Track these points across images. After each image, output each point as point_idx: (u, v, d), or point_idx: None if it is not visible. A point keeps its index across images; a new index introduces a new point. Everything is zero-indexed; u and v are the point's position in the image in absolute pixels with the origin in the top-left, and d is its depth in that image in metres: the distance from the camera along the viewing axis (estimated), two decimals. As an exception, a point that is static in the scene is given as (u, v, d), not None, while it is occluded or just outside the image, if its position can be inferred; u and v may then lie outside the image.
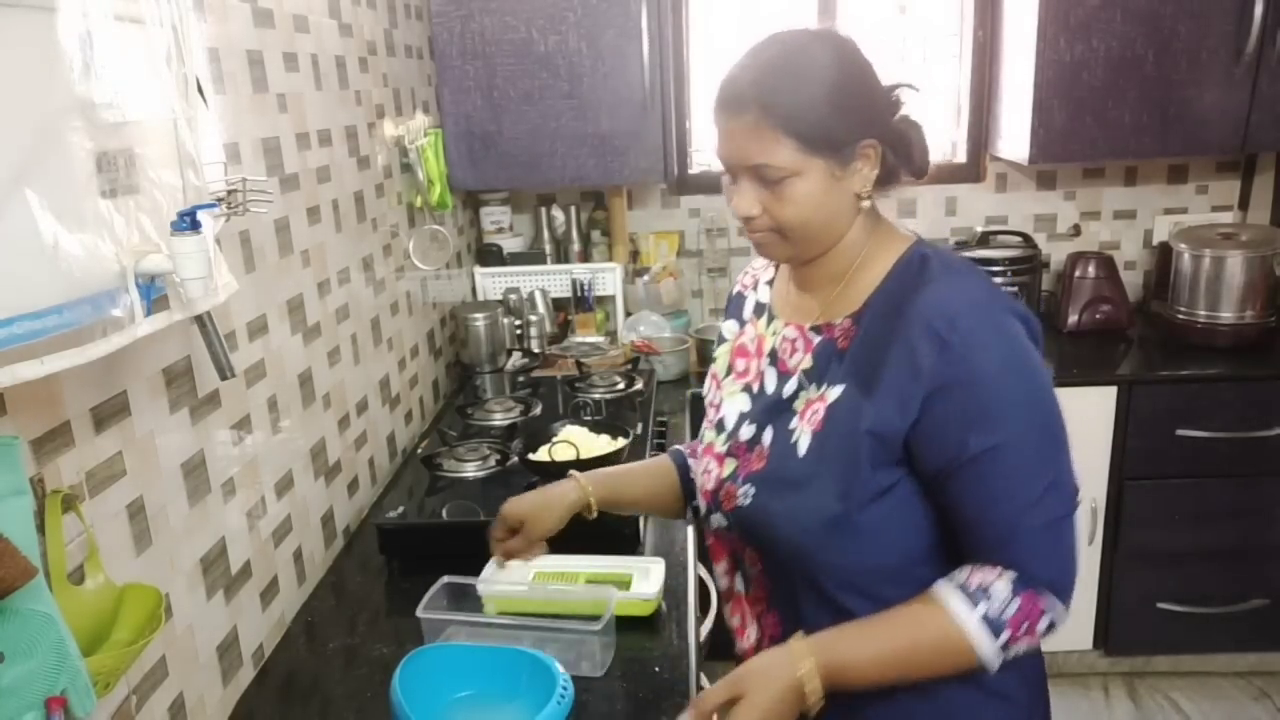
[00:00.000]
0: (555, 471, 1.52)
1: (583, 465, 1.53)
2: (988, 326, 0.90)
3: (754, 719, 0.87)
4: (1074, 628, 2.43)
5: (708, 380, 1.17)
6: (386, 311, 1.87)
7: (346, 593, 1.42)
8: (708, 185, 2.77)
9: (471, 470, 1.65)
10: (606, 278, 2.60)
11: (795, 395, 1.01)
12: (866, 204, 0.98)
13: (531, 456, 1.57)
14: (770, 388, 1.05)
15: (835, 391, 0.96)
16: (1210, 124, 2.29)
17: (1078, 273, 2.57)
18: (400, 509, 1.52)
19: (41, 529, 0.82)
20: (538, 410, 1.97)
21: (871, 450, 0.92)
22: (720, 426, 1.09)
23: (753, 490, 1.00)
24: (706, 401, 1.16)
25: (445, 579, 1.26)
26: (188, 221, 0.88)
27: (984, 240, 2.63)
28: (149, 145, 0.89)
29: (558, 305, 2.58)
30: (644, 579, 1.29)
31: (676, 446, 1.32)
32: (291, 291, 1.41)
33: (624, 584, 1.28)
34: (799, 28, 0.96)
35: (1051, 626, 0.91)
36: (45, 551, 0.81)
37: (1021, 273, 2.52)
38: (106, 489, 0.94)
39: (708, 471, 1.09)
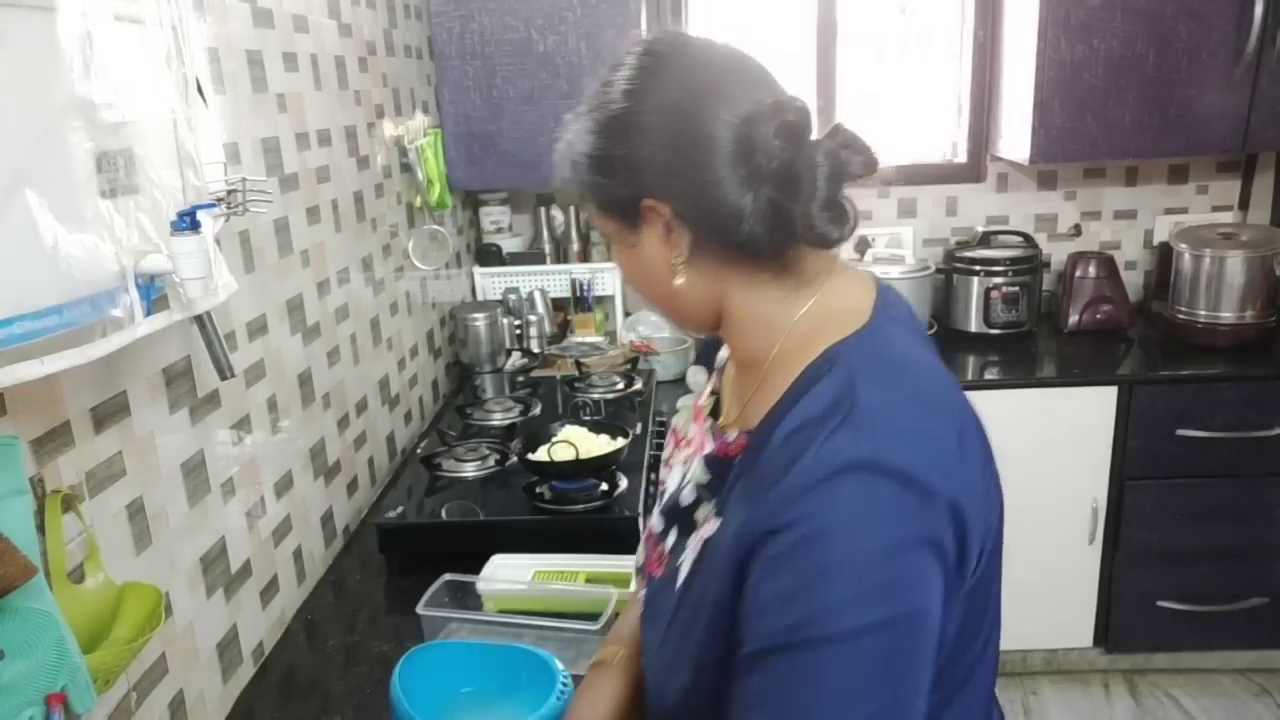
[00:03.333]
0: (554, 471, 1.53)
1: (582, 465, 1.54)
2: (824, 498, 0.62)
3: None
4: (1075, 625, 2.43)
5: (668, 436, 0.95)
6: (386, 311, 1.87)
7: (346, 591, 1.43)
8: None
9: (471, 470, 1.65)
10: (606, 278, 2.60)
11: (695, 507, 0.78)
12: (680, 281, 0.74)
13: (531, 456, 1.58)
14: (676, 481, 0.85)
15: (712, 527, 0.74)
16: (1211, 124, 2.29)
17: (1078, 273, 2.57)
18: (400, 509, 1.52)
19: (41, 528, 0.82)
20: (537, 410, 1.97)
21: (715, 617, 0.69)
22: (660, 495, 0.89)
23: (645, 597, 0.84)
24: (662, 461, 0.94)
25: (446, 576, 1.26)
26: (187, 221, 0.89)
27: (984, 240, 2.63)
28: (149, 145, 0.89)
29: (557, 305, 2.58)
30: (643, 578, 1.29)
31: None
32: (291, 291, 1.41)
33: (624, 582, 1.28)
34: (653, 34, 0.78)
35: None
36: (45, 551, 0.82)
37: (1022, 273, 2.52)
38: (106, 489, 0.94)
39: (641, 547, 0.91)
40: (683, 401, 0.96)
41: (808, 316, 0.74)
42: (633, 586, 0.91)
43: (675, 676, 0.74)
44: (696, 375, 0.97)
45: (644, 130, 0.72)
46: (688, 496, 0.80)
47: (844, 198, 0.70)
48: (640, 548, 0.90)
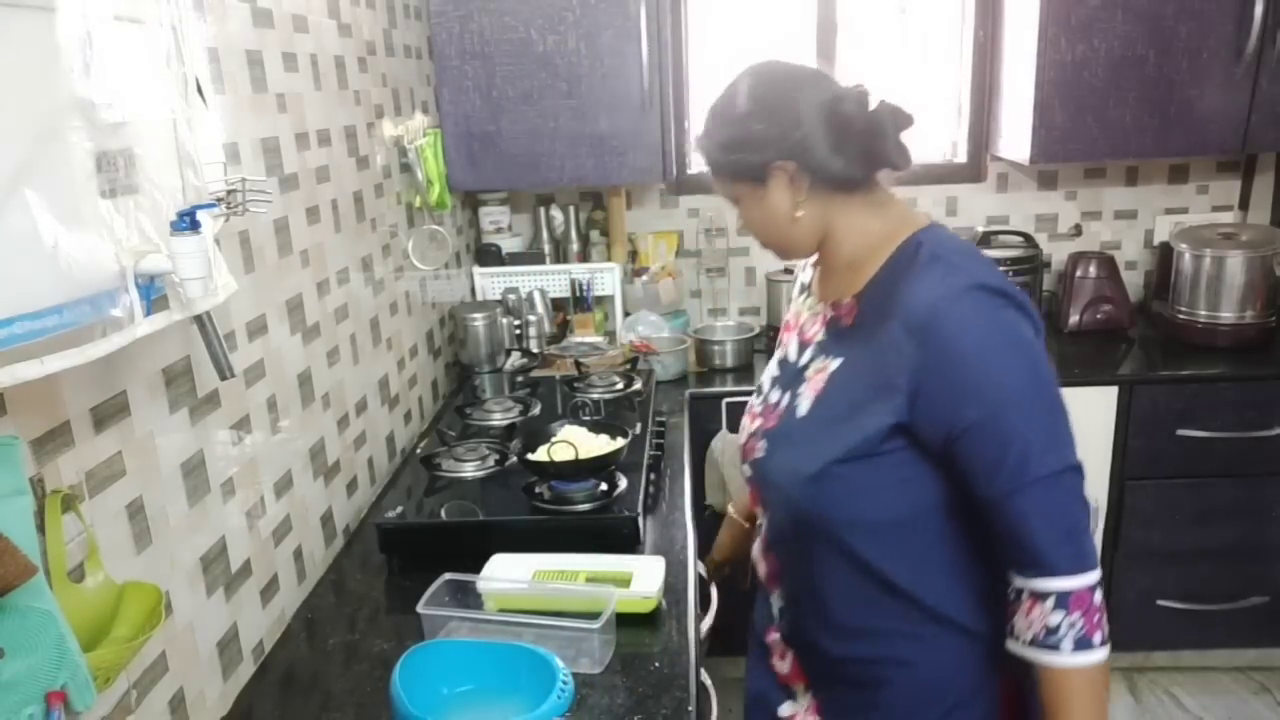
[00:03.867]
0: (554, 471, 1.53)
1: (582, 465, 1.54)
2: (958, 312, 0.96)
3: None
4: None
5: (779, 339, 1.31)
6: (385, 311, 1.88)
7: (346, 590, 1.43)
8: (706, 185, 2.73)
9: (470, 470, 1.65)
10: (605, 278, 2.60)
11: (809, 364, 1.13)
12: (800, 214, 1.07)
13: (530, 456, 1.58)
14: (793, 357, 1.18)
15: (835, 363, 1.08)
16: (1211, 124, 2.29)
17: (1079, 273, 2.57)
18: (399, 509, 1.52)
19: (41, 528, 0.82)
20: (536, 410, 1.97)
21: (859, 418, 1.01)
22: (759, 390, 1.23)
23: (765, 445, 1.13)
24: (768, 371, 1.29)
25: (446, 576, 1.26)
26: (187, 221, 0.89)
27: (985, 240, 2.63)
28: (149, 145, 0.89)
29: (556, 305, 2.58)
30: (644, 577, 1.29)
31: None
32: (291, 291, 1.42)
33: (624, 582, 1.28)
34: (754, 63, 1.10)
35: (1098, 583, 0.97)
36: (45, 550, 0.82)
37: (1023, 273, 2.53)
38: (106, 489, 0.94)
39: (743, 428, 1.22)
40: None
41: (884, 225, 1.08)
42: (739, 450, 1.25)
43: (806, 467, 1.05)
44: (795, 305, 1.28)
45: (766, 116, 1.04)
46: (805, 359, 1.14)
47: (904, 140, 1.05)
48: (743, 430, 1.22)
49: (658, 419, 1.97)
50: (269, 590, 1.30)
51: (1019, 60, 2.41)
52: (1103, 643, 0.96)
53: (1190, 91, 2.27)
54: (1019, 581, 0.98)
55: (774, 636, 1.25)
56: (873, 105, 1.04)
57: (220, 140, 1.15)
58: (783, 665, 1.24)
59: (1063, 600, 0.95)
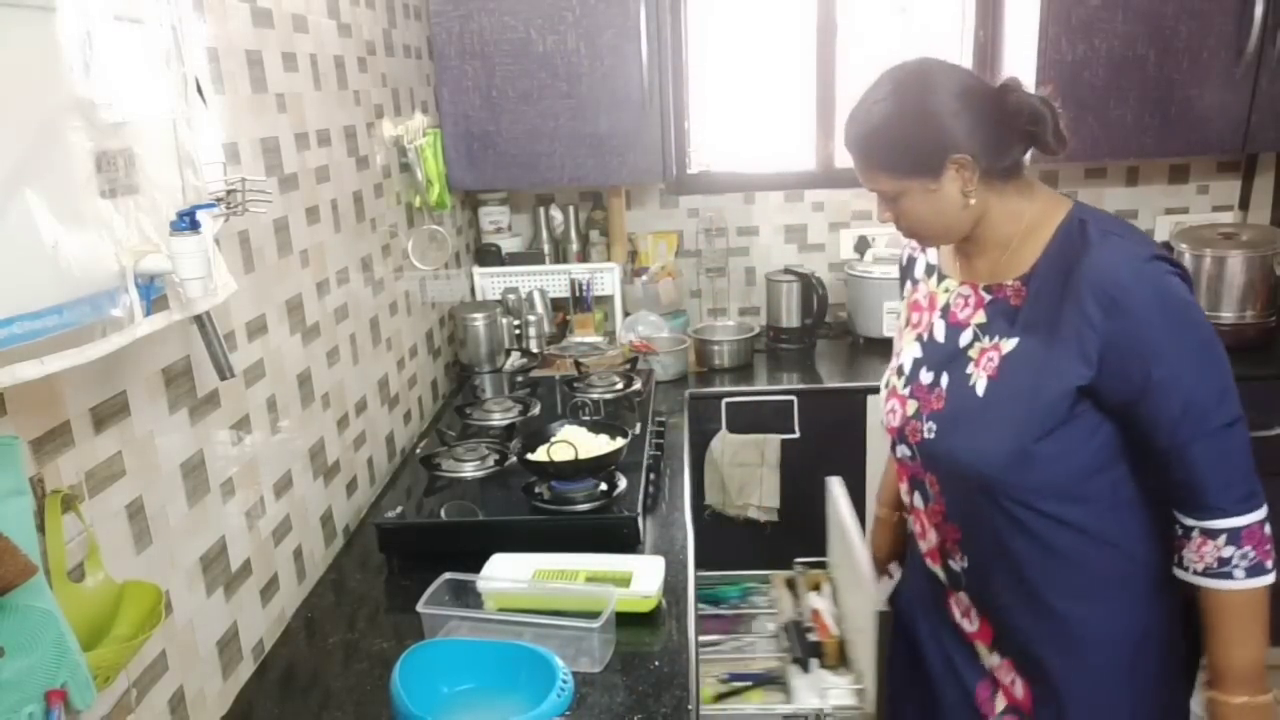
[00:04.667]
0: (554, 471, 1.53)
1: (581, 465, 1.54)
2: (1146, 281, 1.06)
3: None
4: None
5: (895, 333, 1.38)
6: (385, 311, 1.88)
7: (346, 590, 1.43)
8: (706, 185, 2.77)
9: (470, 470, 1.65)
10: (605, 278, 2.60)
11: (970, 345, 1.19)
12: (973, 202, 1.13)
13: (530, 456, 1.58)
14: (941, 338, 1.23)
15: (1010, 344, 1.14)
16: (1211, 124, 2.29)
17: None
18: (399, 509, 1.52)
19: (41, 528, 0.82)
20: (536, 410, 1.97)
21: (1051, 394, 1.09)
22: (899, 371, 1.29)
23: (935, 427, 1.20)
24: (894, 350, 1.36)
25: (446, 575, 1.26)
26: (187, 221, 0.89)
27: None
28: (148, 145, 0.89)
29: (556, 305, 2.58)
30: (644, 577, 1.29)
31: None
32: (290, 291, 1.42)
33: (624, 582, 1.28)
34: (892, 67, 1.14)
35: (1266, 518, 1.08)
36: (45, 550, 0.82)
37: (1021, 272, 2.52)
38: (106, 489, 0.94)
39: (893, 411, 1.29)
40: (901, 306, 1.38)
41: (1036, 206, 1.16)
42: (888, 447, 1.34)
43: (1002, 445, 1.12)
44: (906, 288, 1.38)
45: (942, 113, 1.10)
46: (964, 341, 1.19)
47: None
48: (893, 413, 1.28)
49: (657, 419, 1.97)
50: (269, 590, 1.30)
51: (1019, 60, 2.40)
52: (1274, 567, 1.08)
53: (1190, 91, 2.27)
54: (1189, 521, 1.09)
55: (958, 599, 1.31)
56: (1027, 95, 1.12)
57: (220, 140, 1.15)
58: (969, 625, 1.30)
59: (1234, 537, 1.07)
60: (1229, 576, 1.07)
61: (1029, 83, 2.31)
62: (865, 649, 1.44)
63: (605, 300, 2.63)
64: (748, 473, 2.30)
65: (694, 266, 2.82)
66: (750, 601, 1.85)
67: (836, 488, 1.66)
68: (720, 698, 1.57)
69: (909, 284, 1.36)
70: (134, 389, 0.99)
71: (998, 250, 1.17)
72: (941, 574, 1.32)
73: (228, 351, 1.08)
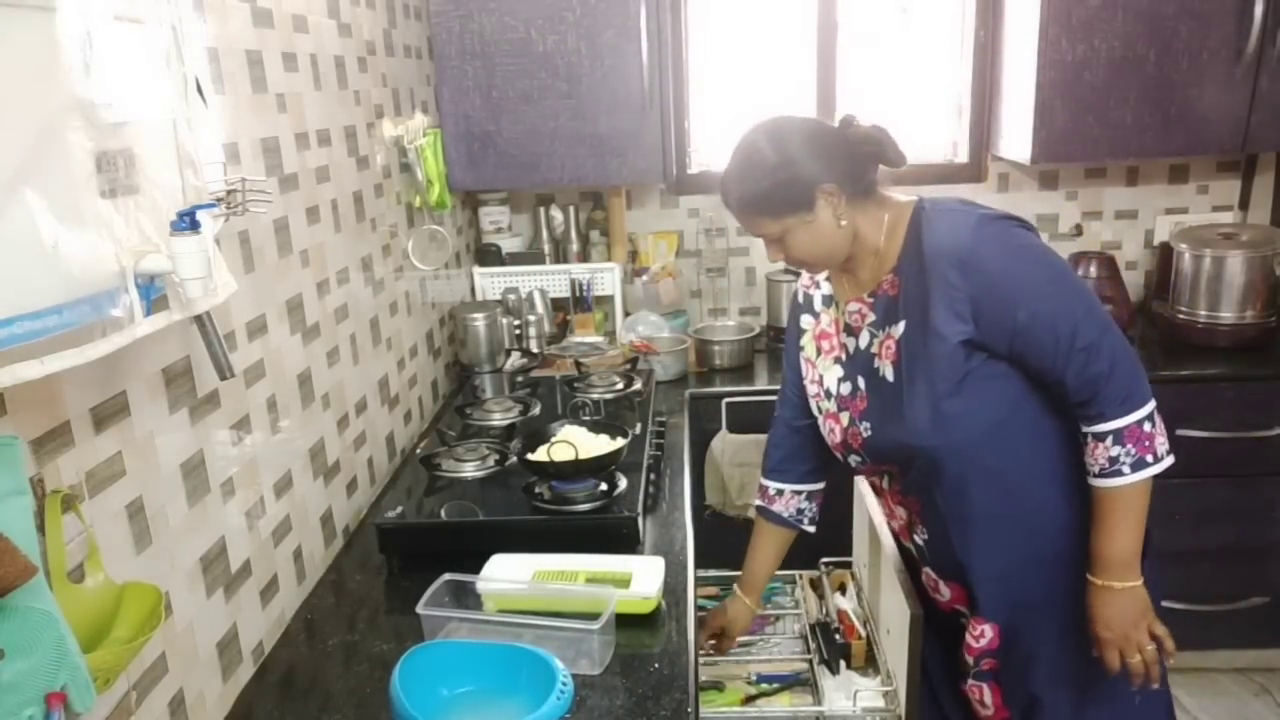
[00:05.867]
0: (554, 471, 1.53)
1: (582, 465, 1.54)
2: (986, 239, 1.21)
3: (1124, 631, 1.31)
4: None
5: (801, 366, 1.49)
6: (385, 311, 1.87)
7: (346, 591, 1.43)
8: (706, 185, 2.77)
9: (470, 470, 1.65)
10: (605, 278, 2.60)
11: (871, 343, 1.34)
12: (844, 223, 1.28)
13: (530, 457, 1.58)
14: (852, 350, 1.37)
15: (899, 328, 1.28)
16: (1211, 124, 2.29)
17: (1079, 272, 2.56)
18: (399, 509, 1.52)
19: (41, 528, 0.82)
20: (536, 410, 1.97)
21: (943, 354, 1.23)
22: (828, 394, 1.42)
23: (869, 424, 1.34)
24: (806, 383, 1.48)
25: (446, 576, 1.26)
26: (187, 221, 0.89)
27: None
28: (149, 145, 0.89)
29: (556, 305, 2.58)
30: (644, 578, 1.29)
31: (757, 503, 1.62)
32: (291, 291, 1.41)
33: (624, 582, 1.28)
34: (746, 131, 1.30)
35: (1153, 411, 1.22)
36: (45, 551, 0.82)
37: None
38: (106, 489, 0.94)
39: (831, 431, 1.43)
40: (804, 340, 1.48)
41: (891, 210, 1.31)
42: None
43: (918, 414, 1.25)
44: (806, 320, 1.48)
45: (800, 155, 1.25)
46: (864, 343, 1.34)
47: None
48: (833, 432, 1.42)
49: (657, 419, 1.97)
50: (269, 591, 1.30)
51: (1020, 60, 2.41)
52: (1158, 459, 1.22)
53: (1190, 91, 2.27)
54: (1085, 428, 1.24)
55: (927, 574, 1.44)
56: (863, 125, 1.28)
57: (220, 140, 1.15)
58: (942, 596, 1.44)
59: (1118, 437, 1.21)
60: (1119, 474, 1.22)
61: (1028, 83, 2.35)
62: (897, 651, 1.45)
63: (605, 300, 2.63)
64: (748, 473, 2.29)
65: (694, 266, 2.82)
66: (774, 602, 1.85)
67: (864, 487, 1.66)
68: (749, 700, 1.57)
69: (810, 317, 1.47)
70: (134, 389, 0.99)
71: (872, 257, 1.32)
72: (913, 549, 1.45)
73: (228, 351, 1.08)
